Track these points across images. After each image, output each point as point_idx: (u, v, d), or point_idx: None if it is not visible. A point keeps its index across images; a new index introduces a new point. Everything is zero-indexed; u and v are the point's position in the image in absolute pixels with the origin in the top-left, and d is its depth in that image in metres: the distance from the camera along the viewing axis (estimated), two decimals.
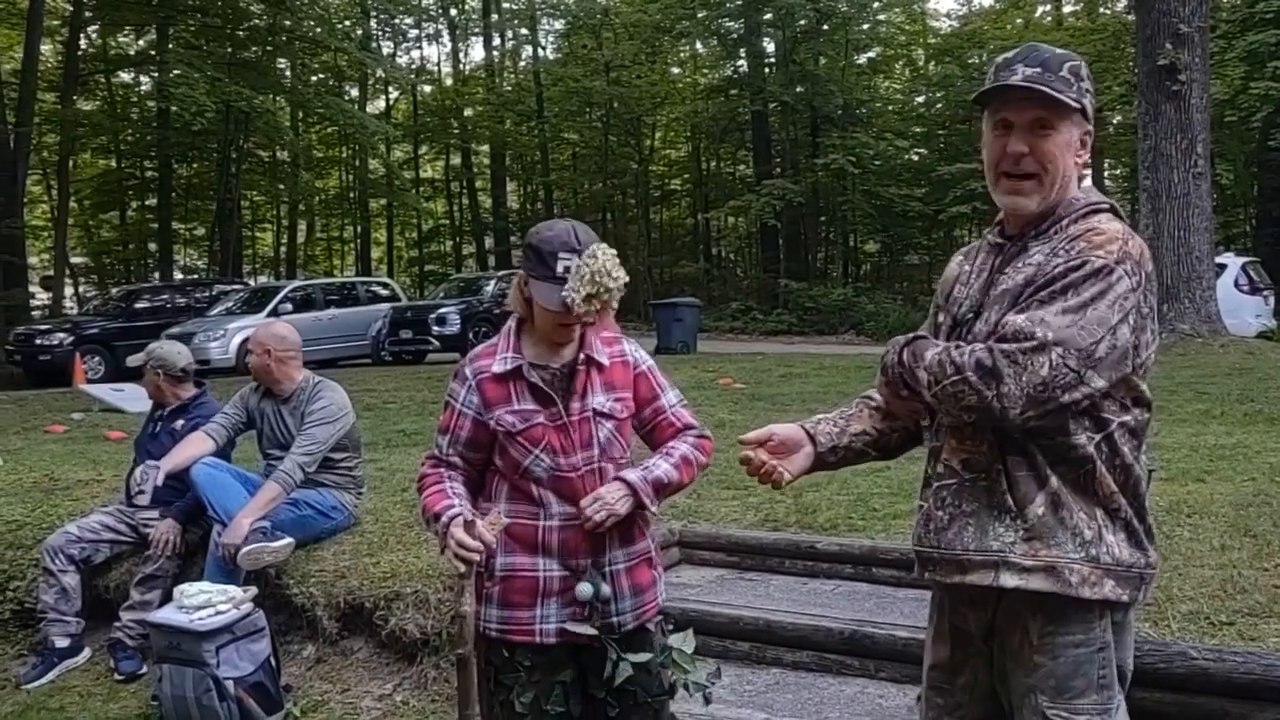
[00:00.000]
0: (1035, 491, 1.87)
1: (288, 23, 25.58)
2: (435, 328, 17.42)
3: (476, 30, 35.33)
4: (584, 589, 2.38)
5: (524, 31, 34.18)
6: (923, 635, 2.22)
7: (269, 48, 27.06)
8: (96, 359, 16.72)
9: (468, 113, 34.69)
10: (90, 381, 14.10)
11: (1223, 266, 14.89)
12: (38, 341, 17.46)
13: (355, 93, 33.78)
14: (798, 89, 27.24)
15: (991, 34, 27.17)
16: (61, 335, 17.39)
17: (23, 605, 4.87)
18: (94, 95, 28.91)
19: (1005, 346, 1.78)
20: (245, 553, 4.17)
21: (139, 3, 25.25)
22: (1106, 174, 27.99)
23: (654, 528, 2.65)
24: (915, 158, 28.08)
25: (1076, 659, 1.88)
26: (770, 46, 29.42)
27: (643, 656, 2.44)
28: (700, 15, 28.92)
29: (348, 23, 29.82)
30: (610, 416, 2.47)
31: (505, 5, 33.72)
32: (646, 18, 29.43)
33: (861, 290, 26.20)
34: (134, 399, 9.54)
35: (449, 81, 36.38)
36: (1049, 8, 30.69)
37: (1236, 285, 15.60)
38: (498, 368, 2.45)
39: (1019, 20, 29.57)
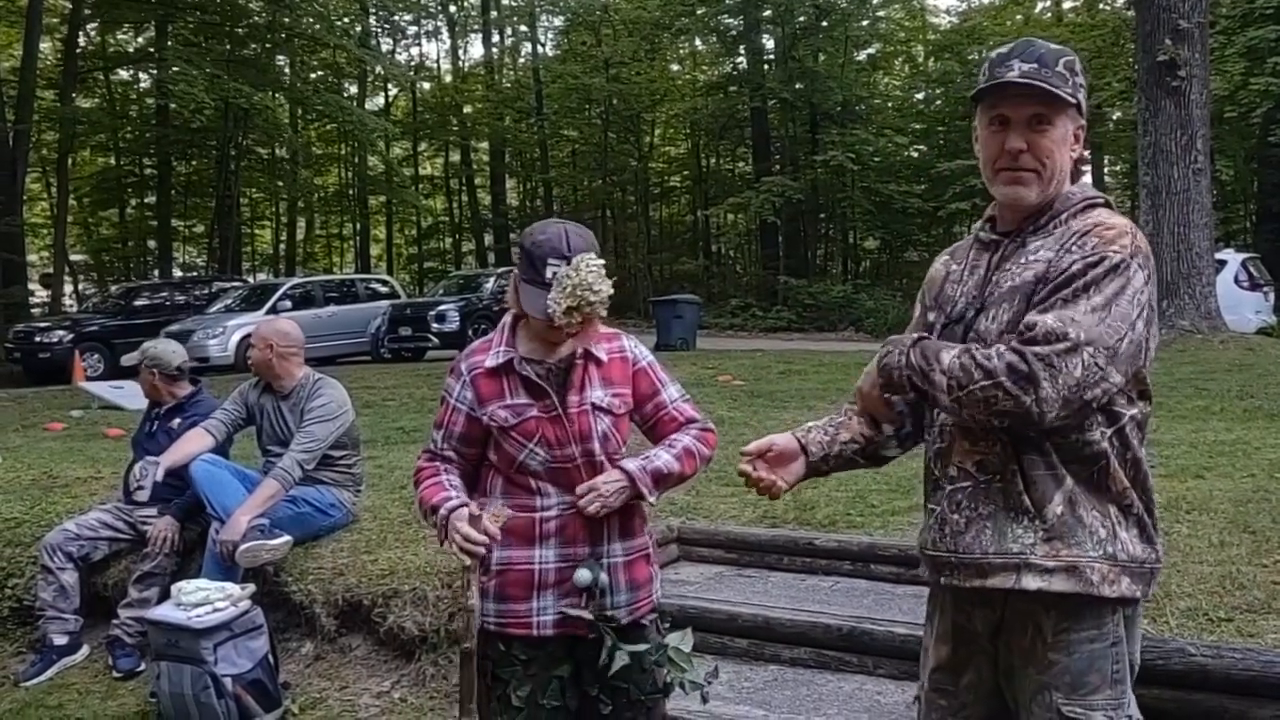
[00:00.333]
0: (1053, 491, 1.86)
1: (287, 20, 25.54)
2: (435, 325, 17.40)
3: (476, 27, 35.33)
4: (583, 575, 2.39)
5: (523, 28, 34.21)
6: (920, 632, 2.21)
7: (268, 45, 27.04)
8: (96, 356, 16.70)
9: (467, 109, 34.68)
10: (89, 379, 14.08)
11: (1223, 263, 14.87)
12: (37, 339, 17.45)
13: (354, 90, 33.77)
14: (797, 85, 27.23)
15: (991, 30, 27.10)
16: (61, 333, 17.38)
17: (21, 603, 4.87)
18: (93, 93, 28.90)
19: (1039, 349, 1.75)
20: (243, 550, 4.17)
21: (138, 0, 25.23)
22: (1106, 170, 27.99)
23: (652, 525, 2.65)
24: (915, 154, 28.03)
25: (1091, 654, 1.87)
26: (770, 43, 29.41)
27: (640, 646, 2.43)
28: (700, 12, 28.90)
29: (347, 20, 29.75)
30: (608, 411, 2.47)
31: (504, 2, 33.73)
32: (646, 14, 29.40)
33: (861, 287, 26.19)
34: (133, 396, 9.52)
35: (448, 78, 36.37)
36: (1049, 3, 30.67)
37: (1236, 281, 15.58)
38: (491, 363, 2.46)
39: (1019, 16, 29.52)
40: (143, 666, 4.43)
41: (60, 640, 4.59)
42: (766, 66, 28.71)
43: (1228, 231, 24.22)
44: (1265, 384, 8.47)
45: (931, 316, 2.07)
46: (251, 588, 4.14)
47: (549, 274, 2.31)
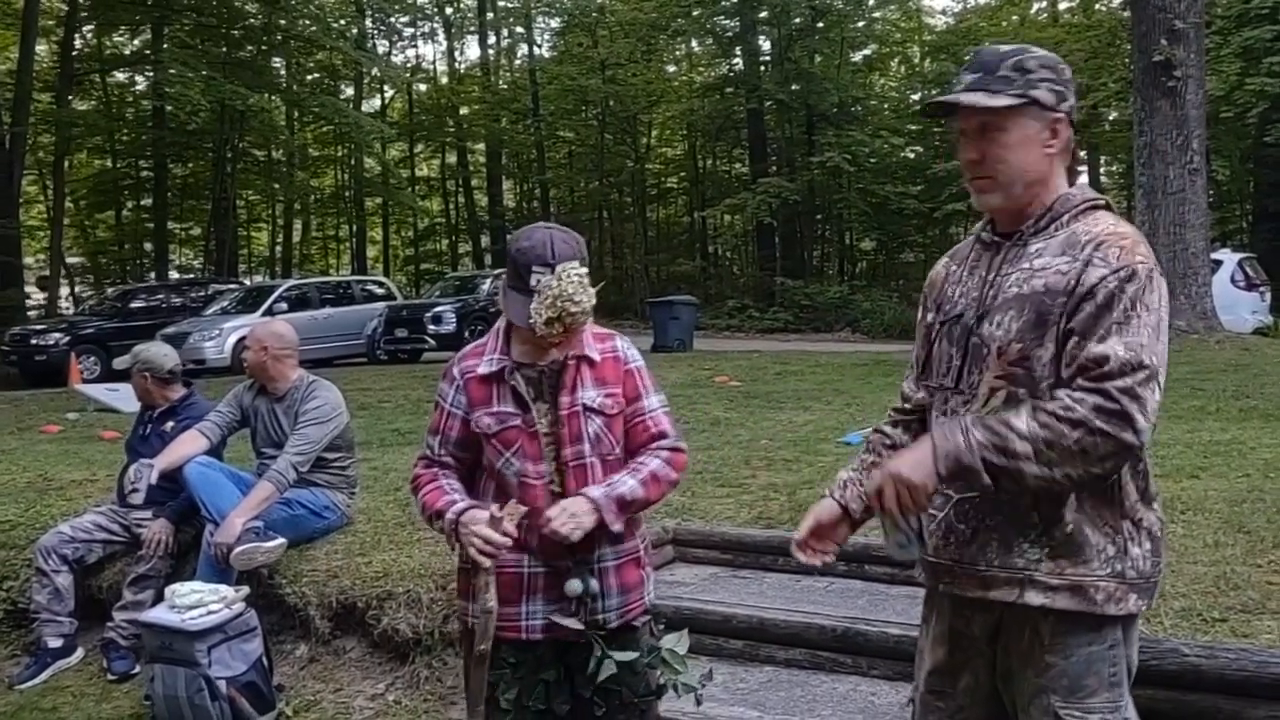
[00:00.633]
0: (1061, 507, 1.84)
1: (283, 22, 25.58)
2: (431, 326, 17.37)
3: (472, 29, 35.34)
4: (574, 585, 2.39)
5: (519, 30, 34.17)
6: (914, 633, 2.20)
7: (264, 47, 27.07)
8: (92, 359, 16.69)
9: (463, 111, 34.68)
10: (86, 381, 14.06)
11: (1219, 262, 14.90)
12: (33, 341, 17.44)
13: (350, 91, 33.80)
14: (793, 87, 27.24)
15: (987, 31, 27.15)
16: (57, 335, 17.37)
17: (16, 605, 4.86)
18: (89, 95, 28.87)
19: (1120, 383, 1.73)
20: (238, 552, 4.17)
21: (134, 2, 25.26)
22: (1102, 170, 28.04)
23: (645, 527, 2.64)
24: (911, 155, 28.07)
25: (1089, 658, 1.87)
26: (765, 44, 29.42)
27: (628, 655, 2.43)
28: (695, 13, 28.91)
29: (343, 22, 29.79)
30: (600, 412, 2.46)
31: (500, 3, 33.72)
32: (642, 16, 29.39)
33: (857, 288, 26.24)
34: (129, 399, 9.42)
35: (444, 80, 36.38)
36: (1044, 4, 30.69)
37: (1232, 281, 15.60)
38: (483, 369, 2.45)
39: (1014, 17, 29.57)
40: (137, 669, 4.42)
41: (55, 643, 4.58)
42: (763, 68, 28.71)
43: (1224, 231, 24.25)
44: (1261, 384, 8.48)
45: (930, 317, 2.07)
46: (246, 590, 4.13)
47: (533, 281, 2.30)
